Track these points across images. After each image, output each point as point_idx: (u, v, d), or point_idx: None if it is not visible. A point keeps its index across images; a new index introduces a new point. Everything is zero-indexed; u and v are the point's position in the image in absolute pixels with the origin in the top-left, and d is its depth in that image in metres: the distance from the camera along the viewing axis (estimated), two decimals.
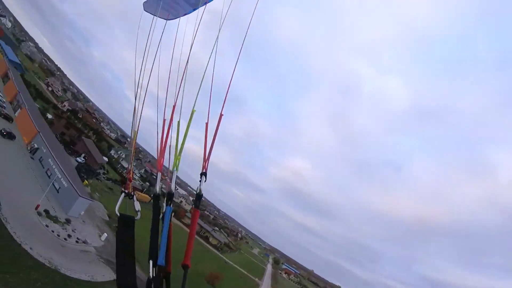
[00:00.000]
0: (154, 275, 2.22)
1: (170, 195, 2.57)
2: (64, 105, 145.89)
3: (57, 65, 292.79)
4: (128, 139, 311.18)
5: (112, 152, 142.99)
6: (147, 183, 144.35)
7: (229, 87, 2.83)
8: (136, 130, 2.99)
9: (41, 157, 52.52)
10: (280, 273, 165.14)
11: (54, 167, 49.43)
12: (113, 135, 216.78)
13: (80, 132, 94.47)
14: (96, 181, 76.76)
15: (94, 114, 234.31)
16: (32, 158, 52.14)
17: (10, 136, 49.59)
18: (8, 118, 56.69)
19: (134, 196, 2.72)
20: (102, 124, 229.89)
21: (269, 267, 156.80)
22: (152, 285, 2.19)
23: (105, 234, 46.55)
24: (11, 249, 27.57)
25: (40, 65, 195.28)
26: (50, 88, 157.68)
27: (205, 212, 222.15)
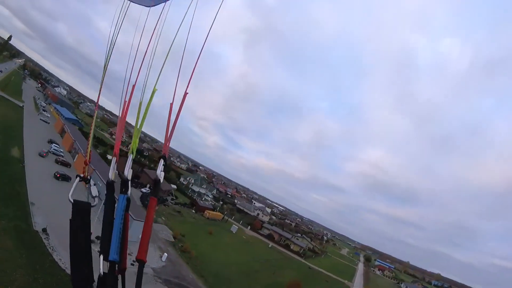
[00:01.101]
0: (105, 272, 1.94)
1: (124, 183, 2.20)
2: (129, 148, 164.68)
3: (117, 115, 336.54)
4: (200, 167, 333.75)
5: (182, 179, 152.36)
6: (221, 202, 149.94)
7: (196, 62, 2.48)
8: (95, 116, 2.84)
9: (99, 191, 56.57)
10: (373, 271, 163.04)
11: None
12: (183, 166, 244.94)
13: (142, 166, 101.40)
14: (163, 206, 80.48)
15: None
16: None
17: (64, 177, 54.62)
18: (65, 164, 63.75)
19: (91, 181, 2.45)
20: (172, 158, 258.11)
21: (360, 266, 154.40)
22: (105, 283, 1.92)
23: (165, 254, 46.76)
24: (54, 274, 28.56)
25: (102, 119, 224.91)
26: (113, 136, 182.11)
27: (286, 220, 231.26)
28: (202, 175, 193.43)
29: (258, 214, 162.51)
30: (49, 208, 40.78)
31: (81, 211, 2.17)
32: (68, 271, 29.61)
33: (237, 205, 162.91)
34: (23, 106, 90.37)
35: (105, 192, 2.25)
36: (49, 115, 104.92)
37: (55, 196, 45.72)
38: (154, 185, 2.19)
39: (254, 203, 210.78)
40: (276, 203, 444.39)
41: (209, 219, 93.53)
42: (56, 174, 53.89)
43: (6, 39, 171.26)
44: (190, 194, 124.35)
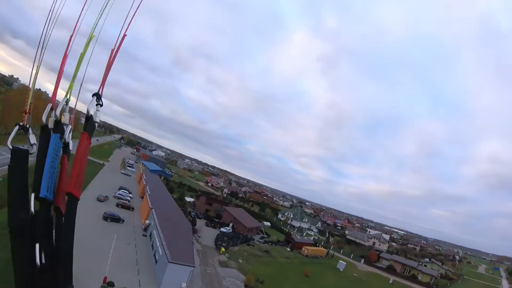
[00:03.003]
0: (37, 210, 2.06)
1: (57, 123, 2.35)
2: (224, 192, 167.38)
3: (221, 168, 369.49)
4: (306, 203, 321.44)
5: (280, 215, 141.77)
6: (327, 234, 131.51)
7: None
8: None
9: (151, 231, 50.68)
10: None
11: (156, 236, 45.14)
12: (287, 204, 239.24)
13: (223, 204, 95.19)
14: (247, 247, 69.58)
15: (264, 192, 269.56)
16: (145, 235, 50.91)
17: (114, 219, 50.46)
18: (127, 207, 61.45)
19: (29, 129, 2.49)
20: (274, 198, 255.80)
21: (504, 284, 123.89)
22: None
23: None
24: None
25: (202, 172, 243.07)
26: (209, 184, 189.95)
27: (409, 245, 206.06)
28: (302, 209, 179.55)
29: (373, 243, 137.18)
30: None
31: (19, 157, 2.11)
32: None
33: (347, 236, 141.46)
34: (103, 163, 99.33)
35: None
36: (134, 170, 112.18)
37: (87, 235, 40.79)
38: (85, 120, 2.21)
39: (369, 231, 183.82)
40: (395, 228, 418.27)
41: (308, 257, 77.40)
42: (104, 214, 50.47)
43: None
44: (288, 230, 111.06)
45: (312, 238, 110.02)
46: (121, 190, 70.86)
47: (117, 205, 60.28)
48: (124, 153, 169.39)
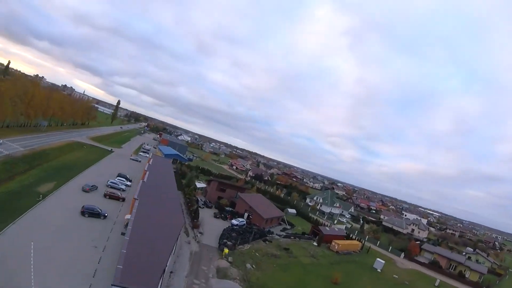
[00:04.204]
0: None
1: None
2: (249, 175, 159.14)
3: (250, 151, 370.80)
4: (338, 184, 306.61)
5: (308, 200, 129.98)
6: (360, 221, 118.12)
7: None
8: None
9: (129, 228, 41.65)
10: None
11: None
12: (317, 185, 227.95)
13: (238, 190, 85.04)
14: (262, 243, 58.42)
15: (293, 174, 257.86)
16: (124, 234, 42.03)
17: (93, 214, 42.29)
18: (115, 198, 53.86)
19: None
20: (305, 179, 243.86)
21: None
22: None
23: None
24: None
25: (229, 154, 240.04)
26: (234, 166, 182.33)
27: (447, 230, 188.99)
28: (334, 191, 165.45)
29: (412, 230, 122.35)
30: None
31: None
32: None
33: (383, 223, 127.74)
34: (111, 150, 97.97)
35: None
36: (147, 155, 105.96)
37: (43, 237, 32.33)
38: None
39: (405, 216, 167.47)
40: (430, 210, 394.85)
41: (338, 254, 65.14)
42: (81, 209, 42.34)
43: (116, 104, 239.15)
44: (316, 218, 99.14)
45: (344, 227, 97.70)
46: (118, 178, 63.42)
47: (105, 195, 52.59)
48: (145, 139, 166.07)
